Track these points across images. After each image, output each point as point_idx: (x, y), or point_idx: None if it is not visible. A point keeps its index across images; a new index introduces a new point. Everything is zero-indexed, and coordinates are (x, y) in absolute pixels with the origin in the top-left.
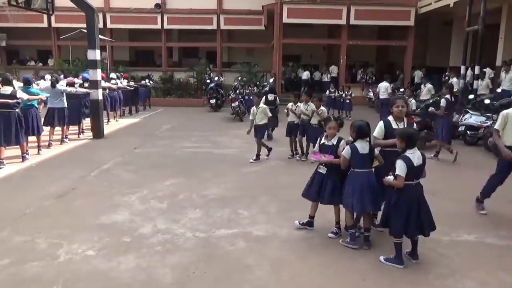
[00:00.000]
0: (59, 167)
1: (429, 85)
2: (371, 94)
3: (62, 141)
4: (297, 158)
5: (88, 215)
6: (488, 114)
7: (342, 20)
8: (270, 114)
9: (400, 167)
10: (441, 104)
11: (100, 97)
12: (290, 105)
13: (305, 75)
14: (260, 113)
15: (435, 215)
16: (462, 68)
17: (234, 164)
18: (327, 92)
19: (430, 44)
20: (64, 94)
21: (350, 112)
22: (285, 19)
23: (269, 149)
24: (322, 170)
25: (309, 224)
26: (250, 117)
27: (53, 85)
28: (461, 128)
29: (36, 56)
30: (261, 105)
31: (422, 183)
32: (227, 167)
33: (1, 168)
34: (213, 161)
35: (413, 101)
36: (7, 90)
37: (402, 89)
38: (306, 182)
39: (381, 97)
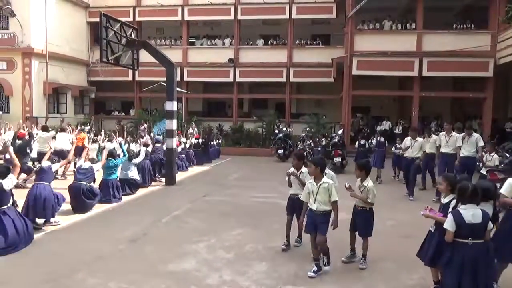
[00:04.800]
0: (134, 212)
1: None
2: None
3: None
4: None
5: (157, 261)
6: None
7: (414, 72)
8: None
9: (448, 222)
10: (373, 143)
11: (175, 145)
12: (291, 169)
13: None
14: (323, 193)
15: None
16: None
17: None
18: (393, 148)
19: None
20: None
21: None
22: (355, 71)
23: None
24: (431, 228)
25: None
26: (303, 197)
27: (130, 159)
28: None
29: (120, 106)
30: (325, 179)
31: None
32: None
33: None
34: (280, 212)
35: (495, 155)
36: (85, 164)
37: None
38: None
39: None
